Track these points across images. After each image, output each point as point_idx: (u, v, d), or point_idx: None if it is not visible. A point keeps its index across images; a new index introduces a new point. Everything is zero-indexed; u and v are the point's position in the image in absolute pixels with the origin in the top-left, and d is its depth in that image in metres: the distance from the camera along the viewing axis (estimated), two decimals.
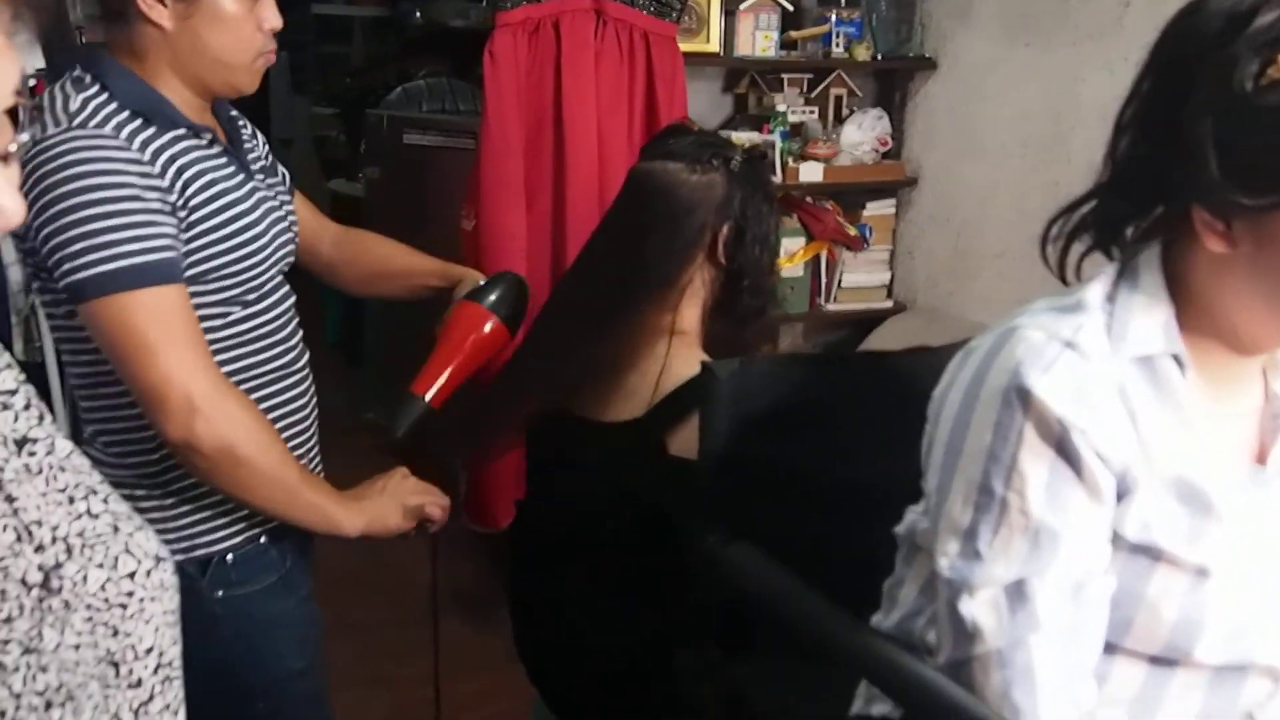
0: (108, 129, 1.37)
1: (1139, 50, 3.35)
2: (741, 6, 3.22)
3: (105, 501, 0.93)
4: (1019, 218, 3.18)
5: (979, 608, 1.07)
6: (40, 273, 1.41)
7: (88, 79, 1.41)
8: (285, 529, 1.55)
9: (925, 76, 3.47)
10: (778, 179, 3.28)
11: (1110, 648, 1.10)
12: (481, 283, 1.83)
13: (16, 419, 0.88)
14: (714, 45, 3.22)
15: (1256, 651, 1.11)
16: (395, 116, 3.86)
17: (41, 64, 2.01)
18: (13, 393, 0.89)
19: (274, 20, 1.49)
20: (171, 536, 1.49)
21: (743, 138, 3.15)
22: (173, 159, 1.42)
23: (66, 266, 1.34)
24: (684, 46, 3.06)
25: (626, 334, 1.69)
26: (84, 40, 1.54)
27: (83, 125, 1.36)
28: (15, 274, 2.84)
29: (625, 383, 1.71)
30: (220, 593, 1.52)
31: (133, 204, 1.35)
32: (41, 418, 0.90)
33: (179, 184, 1.42)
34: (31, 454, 0.89)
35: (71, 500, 0.90)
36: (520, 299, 1.82)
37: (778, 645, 1.49)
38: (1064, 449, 1.04)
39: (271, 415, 1.54)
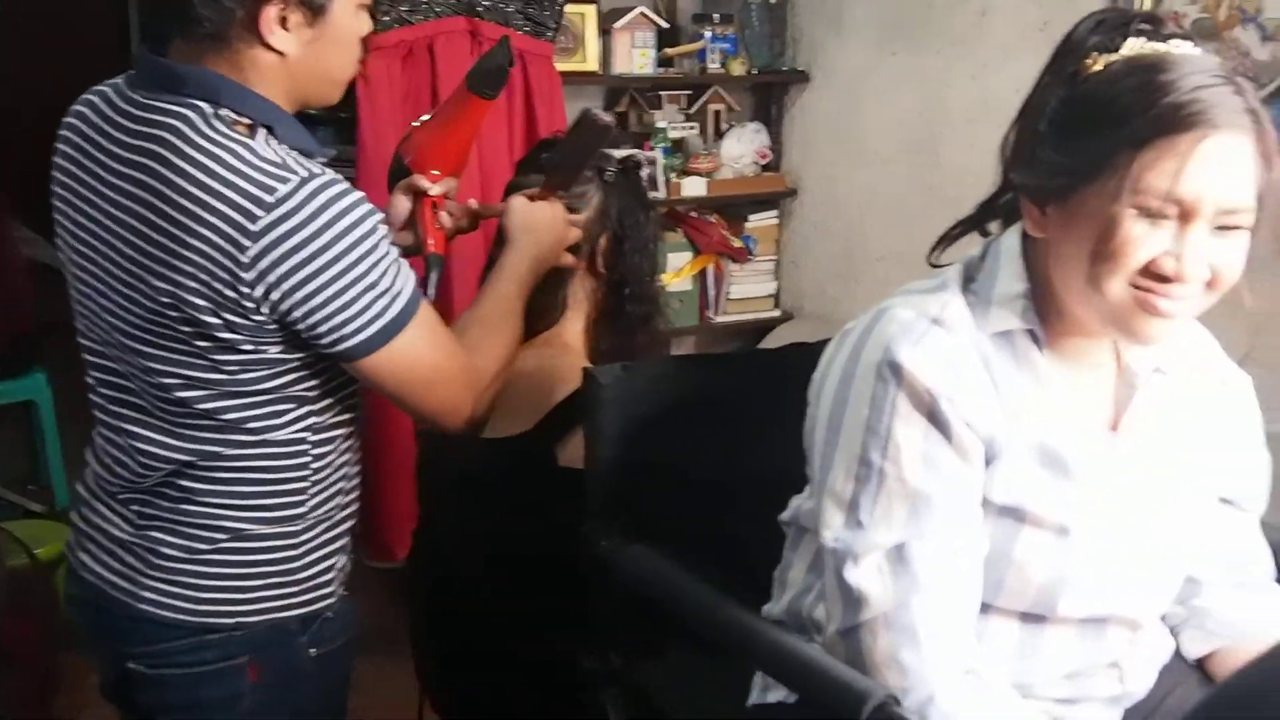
0: (315, 168, 1.28)
1: (999, 55, 3.48)
2: (617, 25, 3.25)
3: None
4: (899, 221, 3.25)
5: (864, 575, 1.11)
6: (239, 320, 1.29)
7: (240, 116, 1.30)
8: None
9: (800, 89, 3.54)
10: (661, 194, 3.31)
11: (984, 607, 1.15)
12: None
13: None
14: (592, 64, 3.25)
15: (1115, 604, 1.18)
16: None
17: None
18: None
19: (369, 24, 1.42)
20: (291, 590, 1.44)
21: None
22: None
23: (341, 333, 1.29)
24: (561, 66, 3.08)
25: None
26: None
27: (309, 174, 1.25)
28: None
29: (511, 398, 1.71)
30: (314, 650, 1.47)
31: (379, 250, 1.30)
32: None
33: None
34: None
35: None
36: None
37: (679, 643, 1.50)
38: (935, 417, 1.10)
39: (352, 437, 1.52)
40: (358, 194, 1.29)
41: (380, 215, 1.32)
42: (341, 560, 1.52)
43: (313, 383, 1.39)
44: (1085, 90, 1.10)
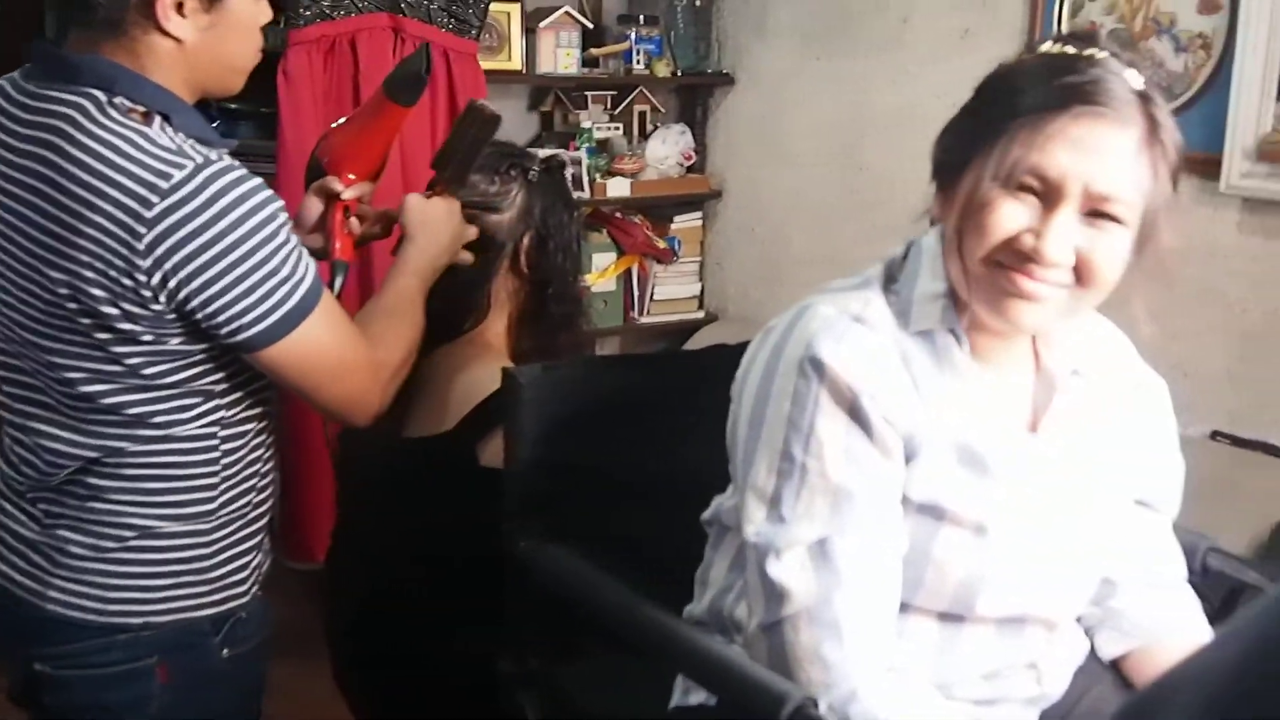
0: (213, 155, 1.25)
1: (920, 62, 3.52)
2: (542, 24, 3.23)
3: None
4: (822, 225, 3.27)
5: (786, 570, 1.11)
6: (133, 311, 1.26)
7: (135, 104, 1.27)
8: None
9: (725, 91, 3.55)
10: (586, 195, 3.30)
11: (903, 606, 1.15)
12: None
13: None
14: (516, 63, 3.23)
15: (1032, 604, 1.19)
16: None
17: None
18: None
19: (269, 13, 1.39)
20: (201, 589, 1.41)
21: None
22: None
23: (238, 323, 1.27)
24: (486, 64, 3.06)
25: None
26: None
27: (205, 161, 1.24)
28: None
29: (433, 397, 1.69)
30: (227, 651, 1.44)
31: (279, 237, 1.28)
32: None
33: None
34: None
35: None
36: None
37: (601, 645, 1.49)
38: (856, 413, 1.10)
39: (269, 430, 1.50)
40: (256, 180, 1.28)
41: (281, 203, 1.30)
42: (257, 559, 1.49)
43: (219, 375, 1.36)
44: (995, 77, 1.13)
